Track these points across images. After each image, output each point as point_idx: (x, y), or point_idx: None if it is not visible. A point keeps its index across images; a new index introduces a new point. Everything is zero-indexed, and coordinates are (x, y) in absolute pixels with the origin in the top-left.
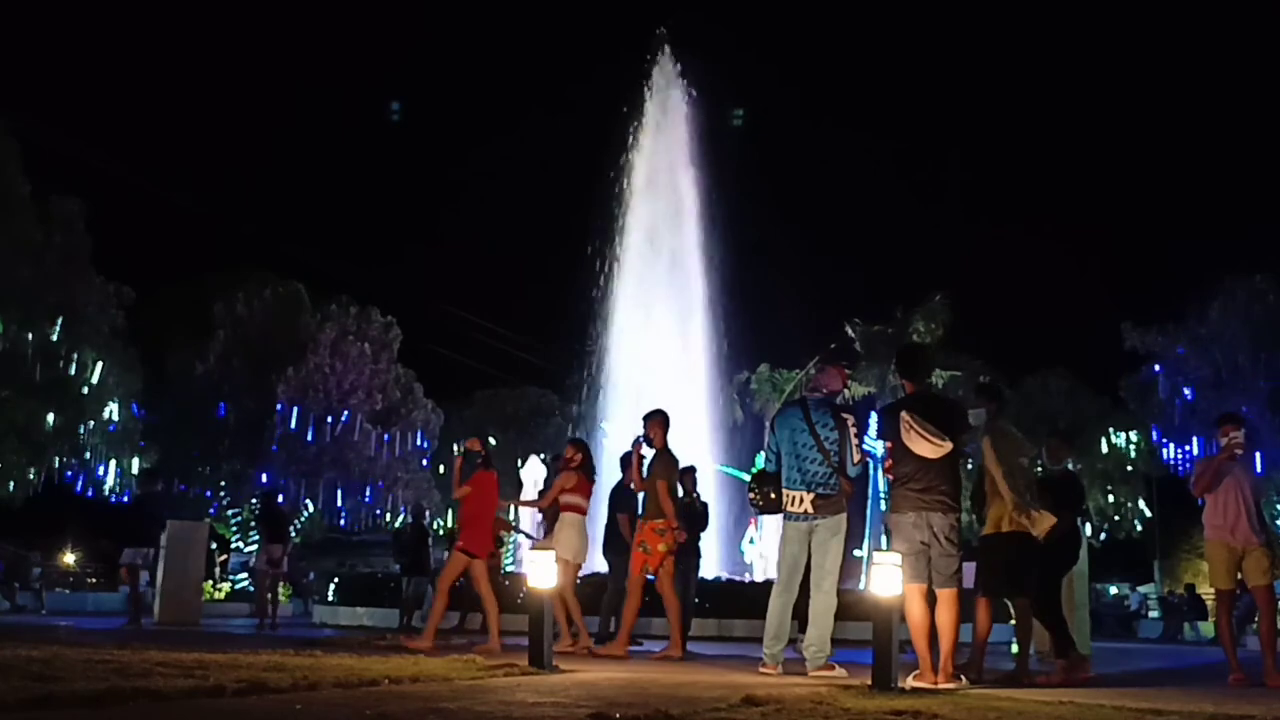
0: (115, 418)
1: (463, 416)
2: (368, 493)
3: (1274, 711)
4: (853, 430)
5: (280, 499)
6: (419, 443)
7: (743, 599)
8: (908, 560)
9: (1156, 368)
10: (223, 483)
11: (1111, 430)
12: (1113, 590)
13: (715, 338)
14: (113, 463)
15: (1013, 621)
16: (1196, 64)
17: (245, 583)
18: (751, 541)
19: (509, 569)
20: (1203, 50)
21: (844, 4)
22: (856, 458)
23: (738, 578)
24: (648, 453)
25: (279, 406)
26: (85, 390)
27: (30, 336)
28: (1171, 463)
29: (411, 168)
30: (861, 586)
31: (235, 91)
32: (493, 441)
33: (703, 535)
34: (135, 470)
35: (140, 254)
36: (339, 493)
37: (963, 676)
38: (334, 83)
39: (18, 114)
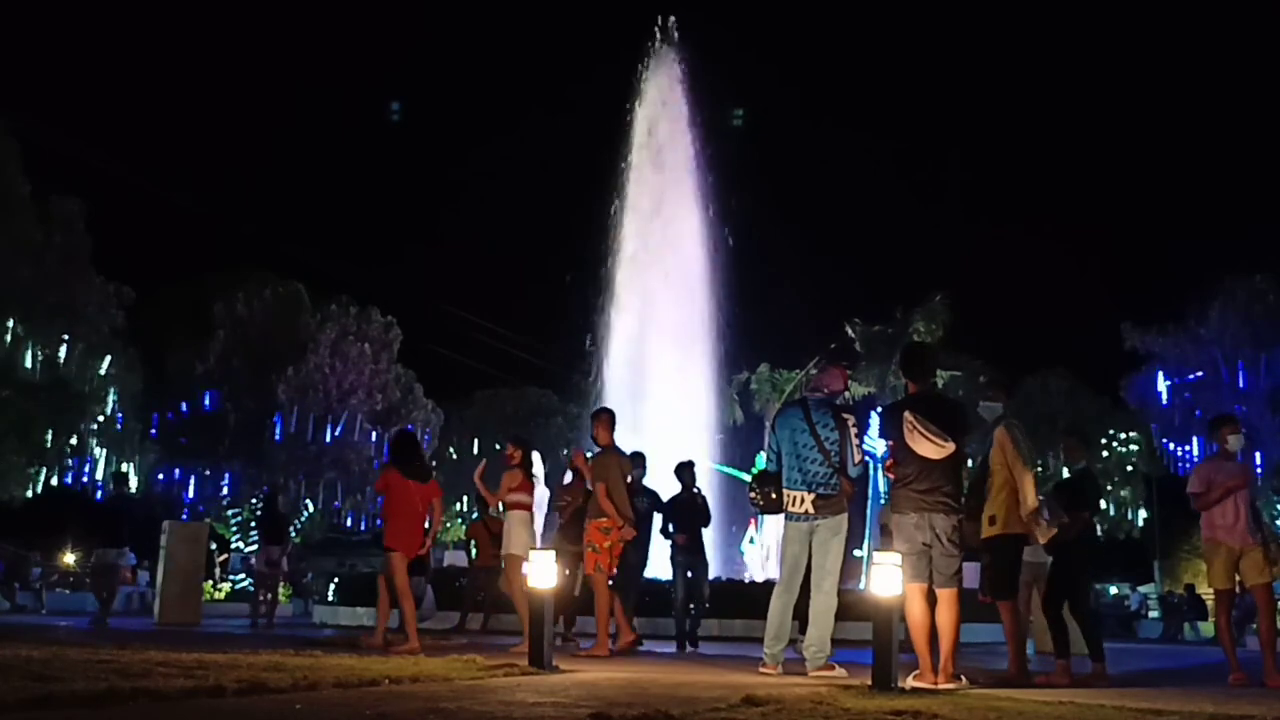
0: (115, 418)
1: (463, 416)
2: (368, 492)
3: (1274, 711)
4: (853, 430)
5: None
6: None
7: (743, 599)
8: (908, 561)
9: (1157, 368)
10: (223, 483)
11: (1111, 430)
12: (1113, 590)
13: (715, 338)
14: (113, 462)
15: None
16: (1196, 64)
17: (245, 583)
18: (751, 541)
19: None
20: (1203, 51)
21: (844, 4)
22: (857, 458)
23: (738, 578)
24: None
25: (279, 407)
26: (85, 390)
27: (30, 336)
28: (1171, 463)
29: (411, 168)
30: (862, 587)
31: (235, 91)
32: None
33: (704, 531)
34: (136, 470)
35: (140, 254)
36: (339, 492)
37: (963, 677)
38: (334, 83)
39: (18, 114)
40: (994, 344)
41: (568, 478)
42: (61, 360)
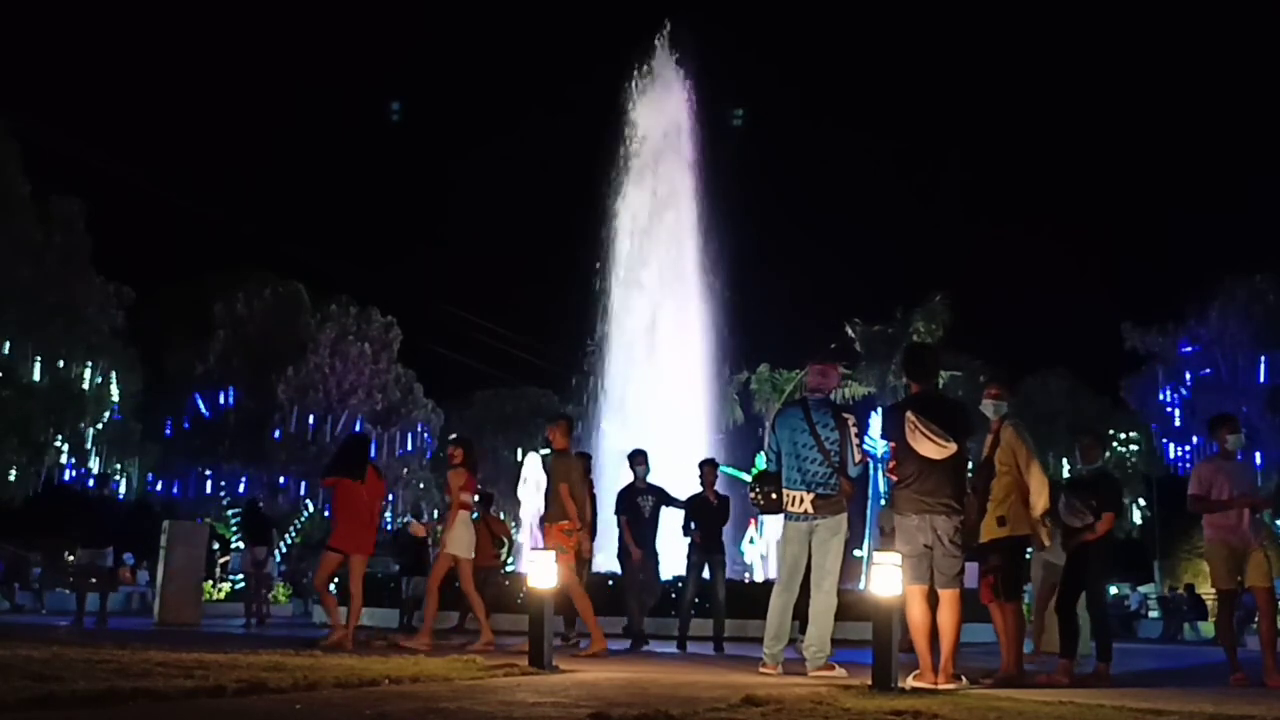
0: (115, 418)
1: (463, 416)
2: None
3: (1274, 711)
4: (853, 430)
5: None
6: (419, 443)
7: (743, 599)
8: (909, 562)
9: (1157, 368)
10: (223, 483)
11: (1111, 430)
12: (1113, 590)
13: (715, 338)
14: (113, 462)
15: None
16: (1197, 64)
17: (245, 583)
18: (751, 541)
19: (510, 569)
20: (1203, 51)
21: (844, 4)
22: (857, 458)
23: (738, 578)
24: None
25: (279, 406)
26: (85, 390)
27: (30, 336)
28: (1171, 463)
29: (411, 168)
30: (861, 587)
31: (235, 91)
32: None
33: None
34: (135, 471)
35: (140, 254)
36: None
37: (963, 677)
38: (334, 83)
39: (18, 114)
40: (994, 344)
41: None
42: (61, 360)
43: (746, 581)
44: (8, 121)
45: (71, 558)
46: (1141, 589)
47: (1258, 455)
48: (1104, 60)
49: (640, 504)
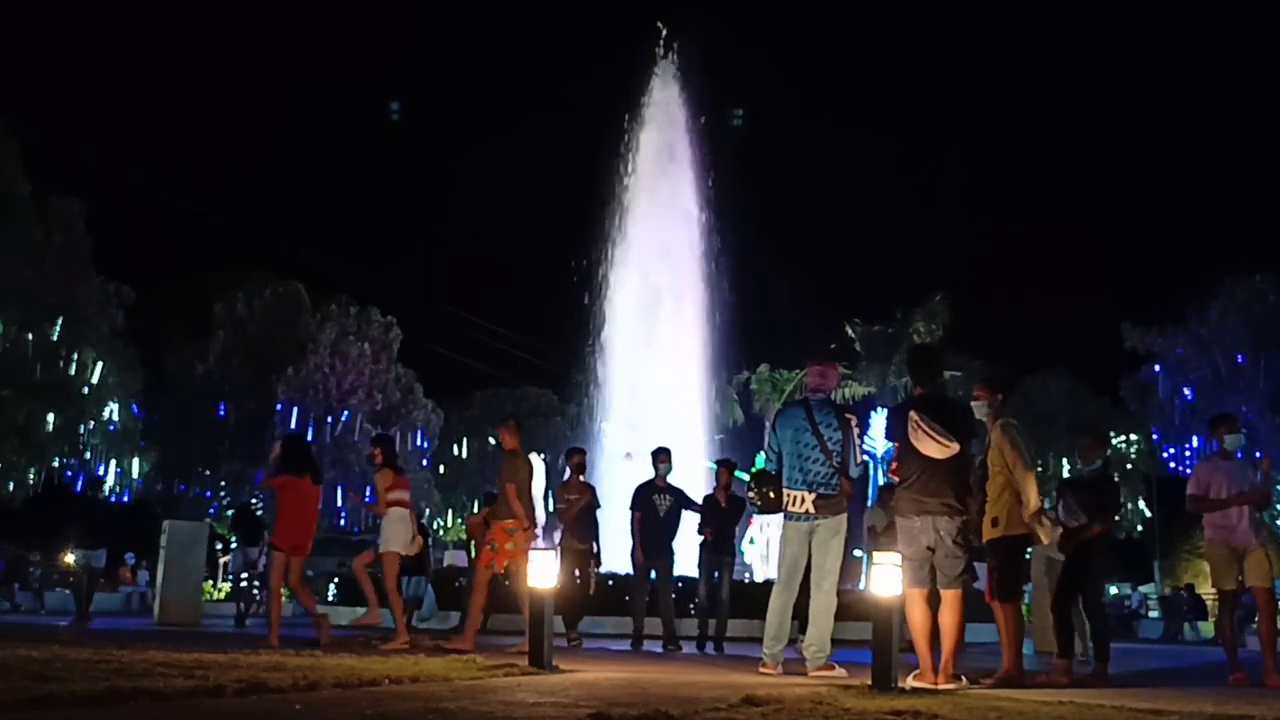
0: (115, 418)
1: (463, 416)
2: (368, 493)
3: (1274, 711)
4: (855, 431)
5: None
6: (419, 443)
7: (743, 599)
8: (910, 565)
9: (1156, 368)
10: (223, 483)
11: (1111, 430)
12: (1113, 590)
13: (715, 338)
14: (113, 462)
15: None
16: (1196, 64)
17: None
18: (751, 541)
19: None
20: (1203, 51)
21: (844, 4)
22: (859, 458)
23: (738, 578)
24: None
25: (279, 406)
26: (85, 390)
27: (30, 336)
28: (1171, 463)
29: (411, 168)
30: (861, 587)
31: (235, 91)
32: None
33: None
34: (136, 470)
35: (140, 254)
36: (339, 493)
37: (963, 677)
38: (334, 83)
39: (18, 114)
40: (994, 344)
41: (564, 475)
42: (61, 360)
43: (746, 581)
44: (8, 121)
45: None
46: (1141, 589)
47: (1258, 455)
48: (1104, 60)
49: (656, 502)
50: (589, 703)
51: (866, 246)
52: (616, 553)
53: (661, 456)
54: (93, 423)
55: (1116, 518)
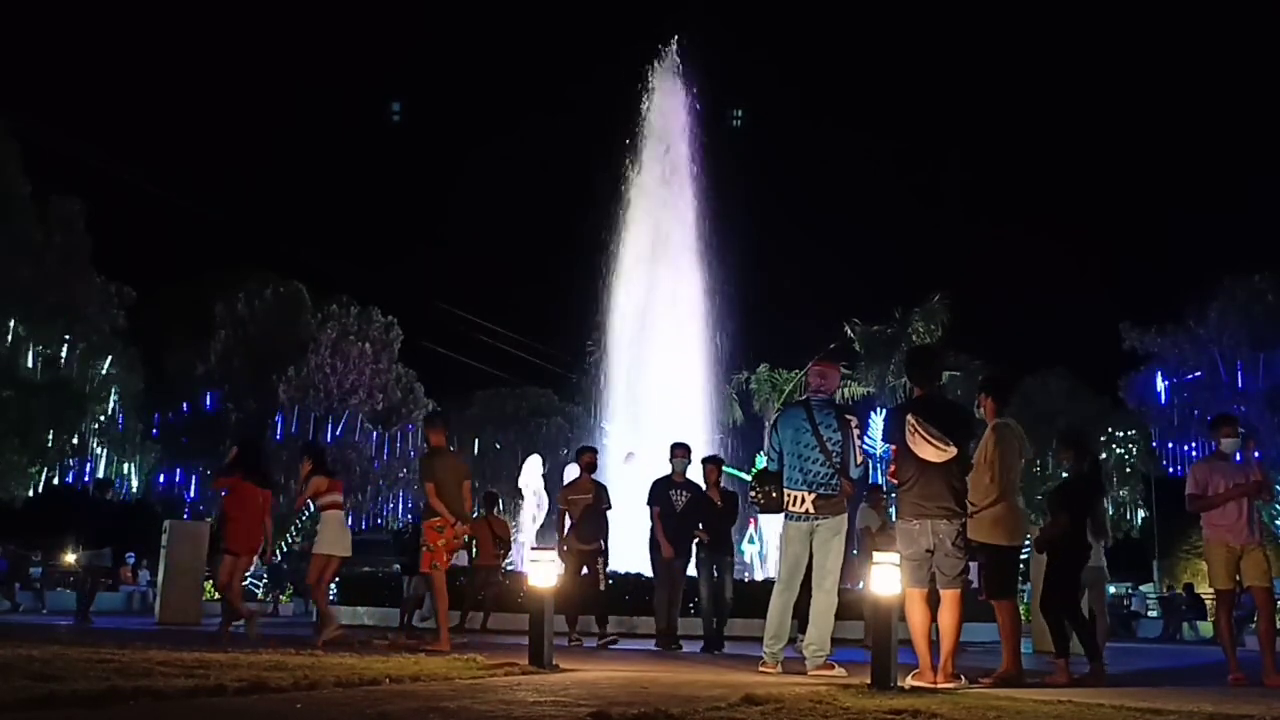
0: (115, 418)
1: (463, 416)
2: (369, 492)
3: (1273, 711)
4: (855, 431)
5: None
6: (419, 442)
7: (743, 598)
8: (909, 565)
9: (1156, 368)
10: None
11: (1111, 430)
12: (1112, 590)
13: (715, 338)
14: (115, 462)
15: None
16: (1196, 64)
17: (245, 582)
18: (751, 541)
19: (510, 568)
20: (1202, 51)
21: (844, 4)
22: (859, 459)
23: (738, 577)
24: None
25: (279, 406)
26: (85, 390)
27: (30, 336)
28: (1170, 463)
29: (411, 168)
30: (860, 587)
31: (235, 91)
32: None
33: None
34: (136, 470)
35: (140, 254)
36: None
37: (962, 676)
38: (334, 83)
39: (18, 114)
40: (994, 344)
41: (570, 475)
42: (62, 360)
43: (746, 581)
44: (8, 121)
45: (71, 558)
46: (1141, 588)
47: (1256, 455)
48: (1104, 60)
49: (674, 497)
50: (589, 701)
51: (866, 246)
52: (622, 553)
53: (679, 452)
54: (93, 423)
55: (1076, 519)
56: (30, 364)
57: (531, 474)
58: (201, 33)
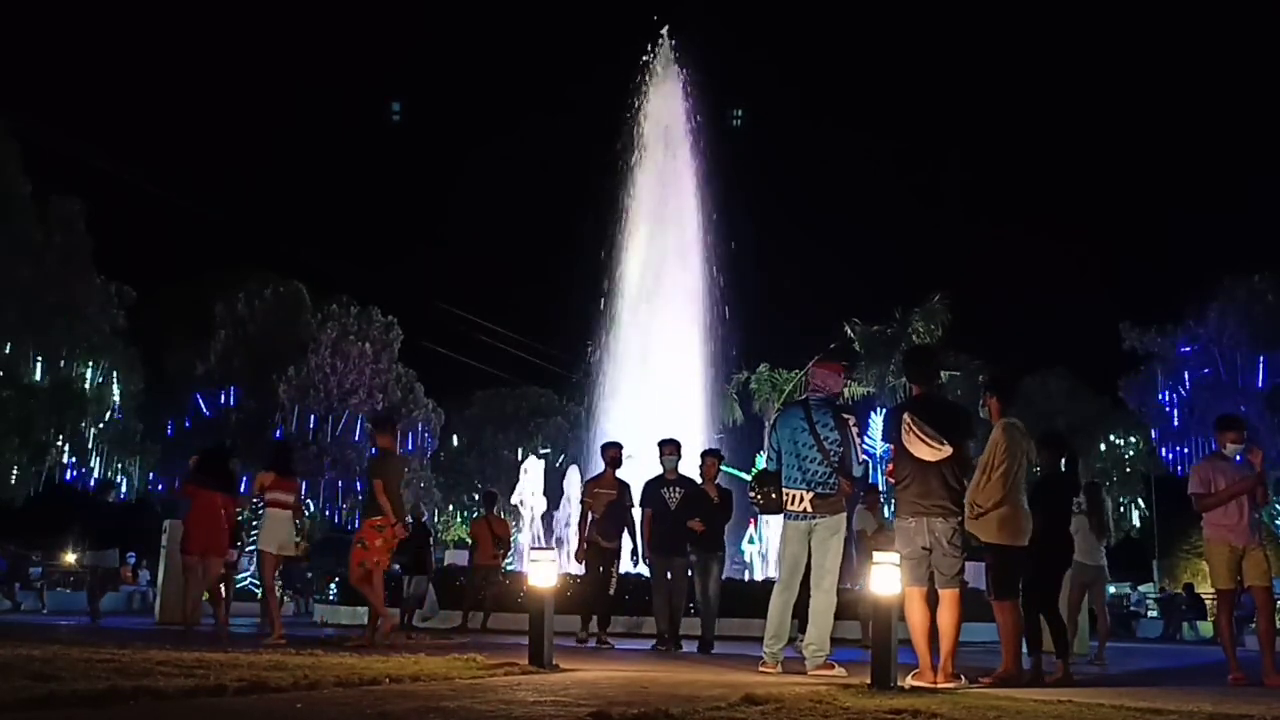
0: (116, 418)
1: (463, 416)
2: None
3: (1273, 711)
4: (854, 430)
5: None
6: (419, 442)
7: (743, 598)
8: (908, 564)
9: (1155, 368)
10: None
11: (1111, 430)
12: (1112, 590)
13: (715, 338)
14: (114, 462)
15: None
16: (1196, 64)
17: (246, 582)
18: (751, 541)
19: (510, 568)
20: (1202, 50)
21: (844, 4)
22: (859, 458)
23: (738, 576)
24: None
25: (279, 406)
26: (86, 390)
27: (30, 336)
28: (1170, 463)
29: (412, 168)
30: (858, 587)
31: (235, 91)
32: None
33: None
34: (135, 470)
35: (140, 254)
36: (339, 492)
37: (962, 676)
38: (334, 83)
39: (18, 114)
40: (994, 344)
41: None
42: (62, 360)
43: (746, 581)
44: (8, 121)
45: (71, 558)
46: (1141, 588)
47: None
48: (1104, 60)
49: (666, 496)
50: (589, 701)
51: (866, 246)
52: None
53: (668, 448)
54: (94, 423)
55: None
56: (30, 364)
57: (530, 474)
58: (201, 33)
